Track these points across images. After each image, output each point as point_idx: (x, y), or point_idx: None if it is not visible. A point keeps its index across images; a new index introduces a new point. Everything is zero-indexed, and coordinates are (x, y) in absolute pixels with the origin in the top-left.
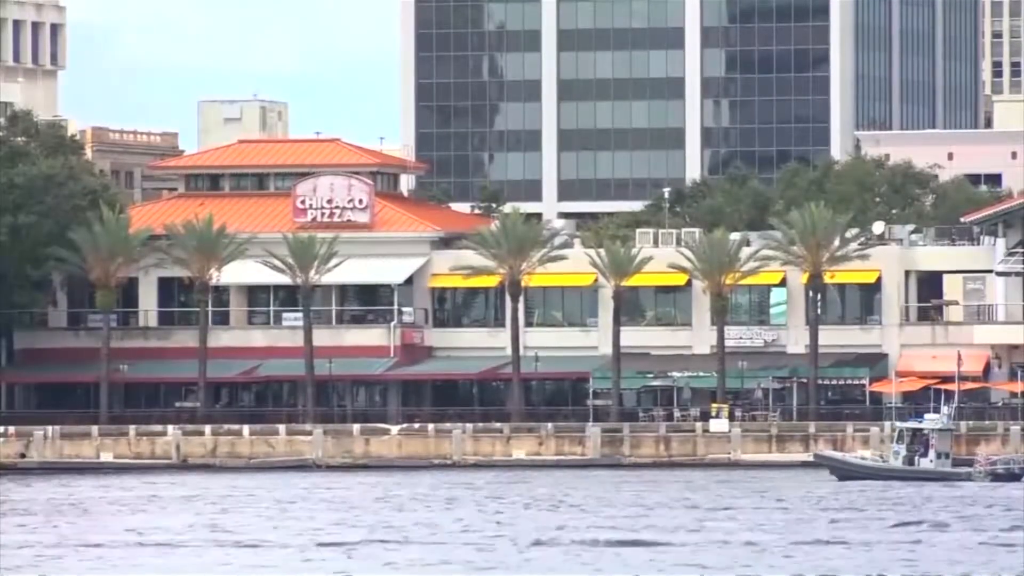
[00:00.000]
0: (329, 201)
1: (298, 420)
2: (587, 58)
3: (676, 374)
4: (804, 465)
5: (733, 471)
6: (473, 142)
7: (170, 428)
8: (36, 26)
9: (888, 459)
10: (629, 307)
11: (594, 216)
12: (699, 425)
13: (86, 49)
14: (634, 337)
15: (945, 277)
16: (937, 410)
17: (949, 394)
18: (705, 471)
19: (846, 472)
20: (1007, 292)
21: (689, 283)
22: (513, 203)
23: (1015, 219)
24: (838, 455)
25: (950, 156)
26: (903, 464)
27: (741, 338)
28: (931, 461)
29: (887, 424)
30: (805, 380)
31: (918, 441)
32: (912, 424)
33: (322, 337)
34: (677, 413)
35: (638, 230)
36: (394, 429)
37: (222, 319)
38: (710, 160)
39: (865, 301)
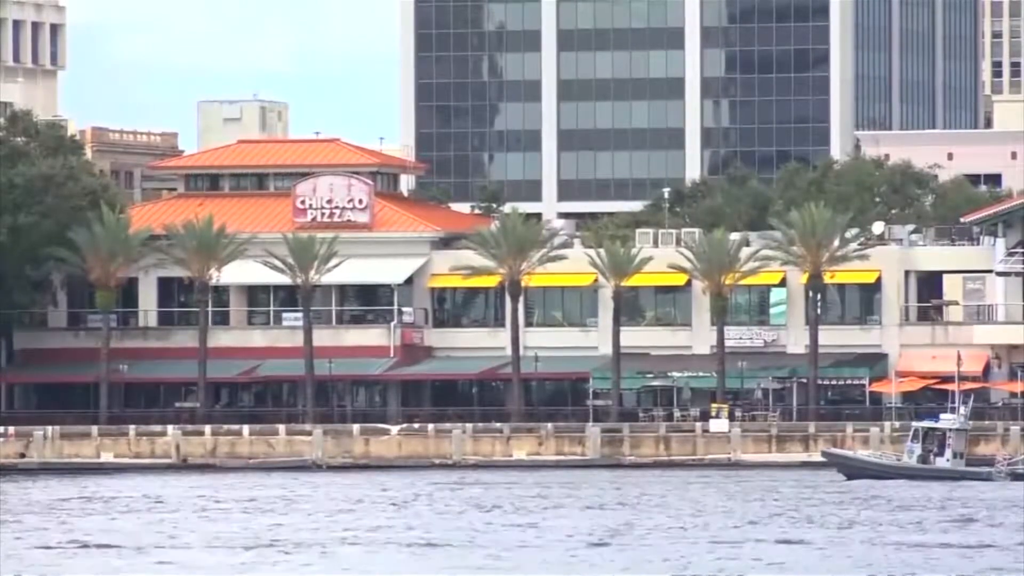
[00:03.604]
0: (329, 201)
1: (298, 420)
2: (587, 58)
3: (676, 374)
4: (805, 465)
5: (735, 471)
6: (473, 142)
7: (170, 428)
8: (36, 26)
9: (902, 458)
10: (629, 307)
11: (594, 216)
12: (699, 425)
13: (86, 49)
14: (634, 337)
15: (945, 277)
16: (953, 410)
17: (966, 394)
18: (706, 470)
19: (857, 471)
20: (1007, 292)
21: (689, 283)
22: (513, 203)
23: (1015, 219)
24: (849, 453)
25: (950, 156)
26: (917, 463)
27: (741, 338)
28: (947, 460)
29: (887, 424)
30: (805, 380)
31: (933, 440)
32: (929, 423)
33: (322, 337)
34: (677, 413)
35: (638, 230)
36: (394, 429)
37: (222, 319)
38: (710, 160)
39: (865, 301)
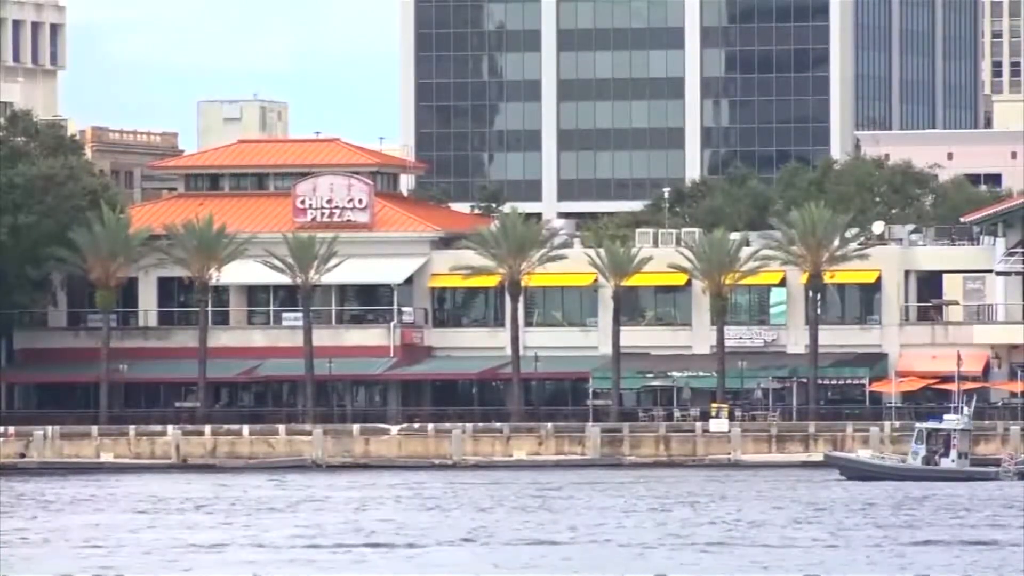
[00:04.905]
0: (329, 201)
1: (298, 420)
2: (587, 58)
3: (676, 374)
4: (805, 465)
5: (735, 471)
6: (473, 142)
7: (170, 428)
8: (36, 26)
9: (907, 459)
10: (629, 307)
11: (594, 216)
12: (699, 425)
13: (86, 49)
14: (634, 337)
15: (945, 277)
16: (956, 410)
17: (968, 394)
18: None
19: (860, 472)
20: (1007, 292)
21: (689, 283)
22: (513, 203)
23: (1015, 219)
24: (852, 455)
25: (950, 156)
26: (922, 464)
27: (741, 338)
28: (953, 461)
29: (887, 424)
30: (805, 380)
31: (938, 441)
32: (934, 424)
33: (322, 337)
34: (677, 413)
35: (638, 230)
36: (394, 429)
37: (222, 319)
38: (710, 160)
39: (865, 301)
